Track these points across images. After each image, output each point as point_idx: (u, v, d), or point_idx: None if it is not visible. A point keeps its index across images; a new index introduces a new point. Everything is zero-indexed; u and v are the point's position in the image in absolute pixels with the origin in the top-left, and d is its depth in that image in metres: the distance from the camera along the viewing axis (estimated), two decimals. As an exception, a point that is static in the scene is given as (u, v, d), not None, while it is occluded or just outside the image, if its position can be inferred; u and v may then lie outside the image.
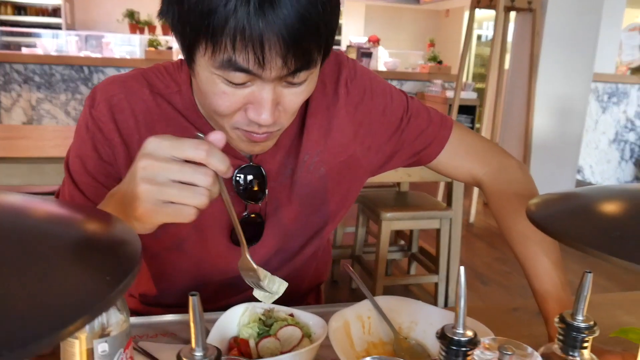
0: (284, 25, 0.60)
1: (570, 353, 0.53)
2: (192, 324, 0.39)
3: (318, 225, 0.92)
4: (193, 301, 0.38)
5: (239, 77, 0.64)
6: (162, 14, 0.67)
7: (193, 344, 0.39)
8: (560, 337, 0.54)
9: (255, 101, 0.67)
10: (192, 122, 0.81)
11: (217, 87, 0.67)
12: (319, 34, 0.64)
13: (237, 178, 0.82)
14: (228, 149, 0.81)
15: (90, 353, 0.52)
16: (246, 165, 0.82)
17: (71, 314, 0.27)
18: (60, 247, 0.33)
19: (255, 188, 0.83)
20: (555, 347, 0.55)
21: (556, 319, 0.54)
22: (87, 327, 0.52)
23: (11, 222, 0.34)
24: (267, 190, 0.84)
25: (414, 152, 0.93)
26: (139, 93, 0.80)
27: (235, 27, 0.60)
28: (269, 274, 0.70)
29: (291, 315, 0.76)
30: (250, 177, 0.83)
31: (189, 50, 0.66)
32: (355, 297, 0.77)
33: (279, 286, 0.70)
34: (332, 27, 0.67)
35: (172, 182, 0.57)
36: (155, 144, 0.59)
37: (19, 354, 0.23)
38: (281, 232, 0.88)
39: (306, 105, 0.85)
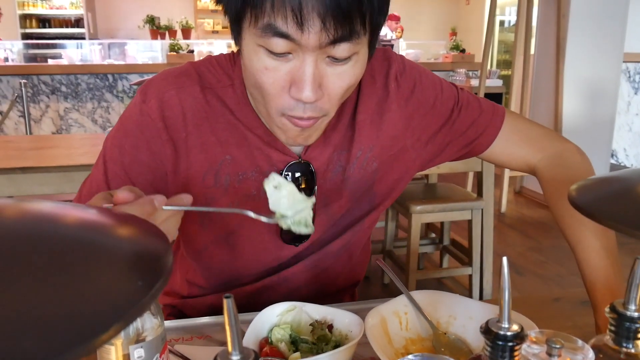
0: None
1: (624, 344, 0.50)
2: (227, 327, 0.37)
3: (359, 214, 0.92)
4: (228, 304, 0.37)
5: (279, 43, 0.65)
6: None
7: (230, 348, 0.38)
8: (612, 328, 0.51)
9: (297, 77, 0.68)
10: (241, 118, 0.82)
11: (261, 61, 0.68)
12: (361, 1, 0.64)
13: (286, 175, 0.83)
14: (277, 145, 0.81)
15: (127, 359, 0.52)
16: (294, 162, 0.83)
17: (105, 322, 0.26)
18: (91, 254, 0.32)
19: (303, 185, 0.84)
20: (607, 338, 0.52)
21: (607, 309, 0.52)
22: (122, 333, 0.51)
23: (40, 229, 0.33)
24: (315, 187, 0.85)
25: (465, 142, 0.93)
26: (189, 90, 0.81)
27: None
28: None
29: (330, 326, 0.74)
30: (298, 174, 0.83)
31: (237, 22, 0.69)
32: (388, 292, 0.76)
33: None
34: (379, 3, 0.66)
35: None
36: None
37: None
38: (329, 224, 0.89)
39: (356, 101, 0.86)
